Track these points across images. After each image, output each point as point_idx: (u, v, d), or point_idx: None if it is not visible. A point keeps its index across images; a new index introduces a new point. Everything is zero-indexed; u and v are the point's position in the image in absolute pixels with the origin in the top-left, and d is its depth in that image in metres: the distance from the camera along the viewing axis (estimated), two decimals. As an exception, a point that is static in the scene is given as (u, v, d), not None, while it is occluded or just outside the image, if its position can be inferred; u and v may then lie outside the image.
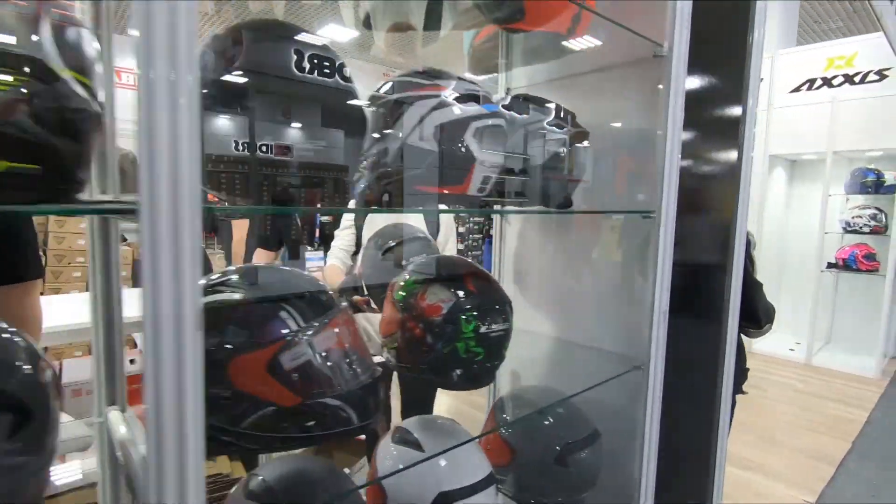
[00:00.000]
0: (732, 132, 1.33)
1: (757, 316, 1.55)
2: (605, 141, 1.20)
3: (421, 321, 0.88)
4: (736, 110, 1.30)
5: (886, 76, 4.04)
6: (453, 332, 0.86)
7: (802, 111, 4.49)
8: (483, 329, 0.87)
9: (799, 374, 4.27)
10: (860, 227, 4.33)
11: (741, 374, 1.64)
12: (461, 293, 0.89)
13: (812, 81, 4.43)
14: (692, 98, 1.15)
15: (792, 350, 4.85)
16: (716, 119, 1.30)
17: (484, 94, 0.84)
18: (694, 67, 1.09)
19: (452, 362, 0.87)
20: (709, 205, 1.34)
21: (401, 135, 0.78)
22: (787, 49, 4.63)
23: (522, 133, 0.99)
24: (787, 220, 5.40)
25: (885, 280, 4.14)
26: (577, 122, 1.07)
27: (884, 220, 4.24)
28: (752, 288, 1.51)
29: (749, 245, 1.52)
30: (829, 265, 4.57)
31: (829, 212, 4.53)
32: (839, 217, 4.46)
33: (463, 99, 0.81)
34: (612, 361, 1.17)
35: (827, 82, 4.35)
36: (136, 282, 4.92)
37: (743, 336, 1.78)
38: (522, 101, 1.03)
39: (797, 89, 4.52)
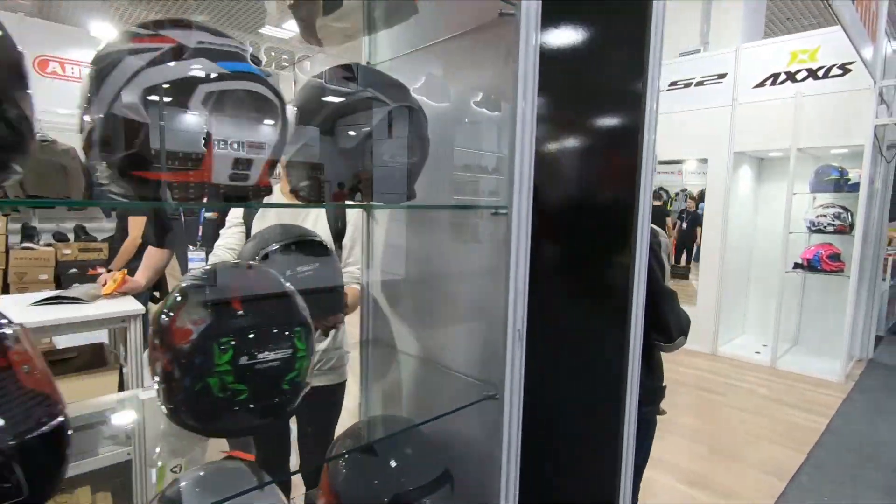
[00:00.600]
0: (629, 106, 1.14)
1: (667, 328, 1.36)
2: (462, 123, 1.00)
3: (169, 350, 0.68)
4: (630, 79, 1.12)
5: (850, 70, 3.92)
6: (203, 365, 0.65)
7: (767, 107, 4.36)
8: (244, 360, 0.66)
9: (763, 378, 4.13)
10: (824, 227, 4.20)
11: (655, 392, 1.45)
12: (220, 313, 0.68)
13: (776, 76, 4.30)
14: (566, 66, 0.96)
15: (758, 353, 4.72)
16: (601, 90, 1.12)
17: (235, 50, 0.64)
18: (560, 25, 0.90)
19: (206, 403, 0.67)
20: (597, 199, 1.15)
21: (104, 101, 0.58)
22: (751, 43, 4.49)
23: (330, 110, 0.80)
24: (756, 220, 5.28)
25: (849, 281, 4.02)
26: (409, 97, 0.87)
27: (848, 219, 4.12)
28: (660, 296, 1.33)
29: (657, 247, 1.34)
30: (796, 266, 4.45)
31: (795, 211, 4.41)
32: (804, 216, 4.34)
33: (197, 55, 0.61)
34: (478, 388, 0.98)
35: (791, 77, 4.22)
36: (58, 283, 4.64)
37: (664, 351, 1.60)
38: (333, 71, 0.83)
39: (761, 84, 4.38)
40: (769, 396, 3.72)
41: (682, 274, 6.05)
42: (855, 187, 4.10)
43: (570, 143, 1.05)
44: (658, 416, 1.52)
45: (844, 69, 3.96)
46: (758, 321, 5.20)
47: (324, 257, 1.09)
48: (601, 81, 1.12)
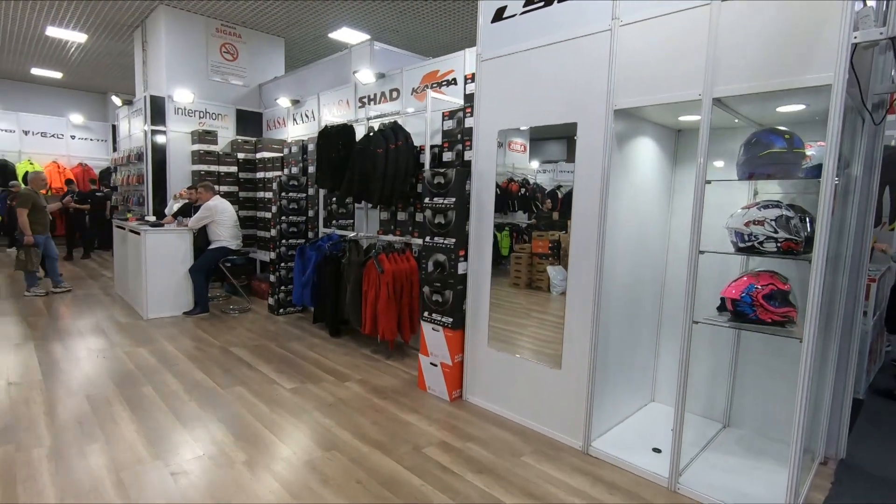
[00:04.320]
0: None
1: None
2: None
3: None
4: None
5: (805, -59, 2.02)
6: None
7: (665, 28, 2.45)
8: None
9: (647, 520, 2.22)
10: (760, 243, 2.30)
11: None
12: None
13: (678, -30, 2.39)
14: None
15: (659, 452, 2.82)
16: None
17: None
18: None
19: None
20: None
21: None
22: (640, -85, 2.58)
23: None
24: (670, 227, 3.39)
25: (802, 347, 2.12)
26: None
27: (802, 229, 2.23)
28: None
29: None
30: (721, 308, 2.54)
31: (717, 211, 2.52)
32: (726, 224, 2.43)
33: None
34: None
35: (702, -32, 2.31)
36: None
37: None
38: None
39: (655, -12, 2.47)
40: None
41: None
42: (816, 172, 2.22)
43: None
44: None
45: (795, -59, 2.06)
46: (674, 385, 3.31)
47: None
48: None
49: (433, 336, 3.58)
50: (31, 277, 6.45)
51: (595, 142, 2.72)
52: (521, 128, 3.16)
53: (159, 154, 7.36)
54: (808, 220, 2.32)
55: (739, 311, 2.39)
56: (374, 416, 3.21)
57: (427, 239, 3.57)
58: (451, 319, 3.47)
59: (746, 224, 2.32)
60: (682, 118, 2.96)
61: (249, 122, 8.24)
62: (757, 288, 2.34)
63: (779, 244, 2.26)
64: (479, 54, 3.31)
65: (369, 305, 4.41)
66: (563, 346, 2.93)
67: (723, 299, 2.48)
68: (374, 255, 4.42)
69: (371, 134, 4.54)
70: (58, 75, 12.03)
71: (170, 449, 2.69)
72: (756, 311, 2.34)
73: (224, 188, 7.35)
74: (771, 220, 2.25)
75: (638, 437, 3.00)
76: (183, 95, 7.39)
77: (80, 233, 10.13)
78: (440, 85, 5.00)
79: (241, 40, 8.35)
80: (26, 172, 11.68)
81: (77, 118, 12.67)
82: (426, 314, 3.62)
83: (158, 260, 5.50)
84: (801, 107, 2.46)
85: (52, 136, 12.52)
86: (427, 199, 3.54)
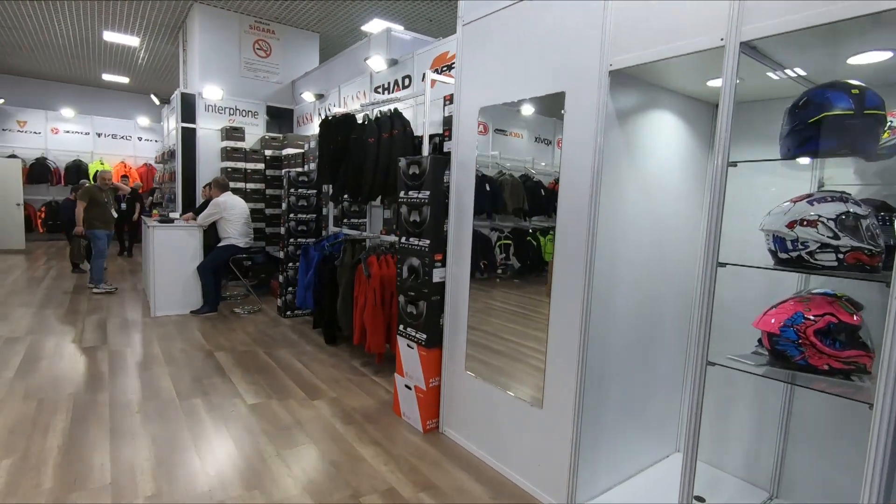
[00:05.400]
0: None
1: None
2: None
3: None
4: None
5: None
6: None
7: (676, -49, 1.77)
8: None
9: None
10: (811, 253, 1.55)
11: None
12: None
13: None
14: None
15: (667, 529, 2.10)
16: None
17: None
18: None
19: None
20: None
21: None
22: None
23: None
24: (703, 231, 2.62)
25: (873, 414, 1.37)
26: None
27: (884, 234, 1.47)
28: None
29: None
30: (758, 345, 1.81)
31: (760, 209, 1.80)
32: (763, 225, 1.70)
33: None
34: None
35: None
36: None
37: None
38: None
39: None
40: None
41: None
42: (904, 146, 1.46)
43: None
44: None
45: None
46: (708, 438, 2.55)
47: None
48: None
49: (408, 354, 3.05)
50: (98, 274, 6.50)
51: (585, 116, 2.07)
52: (502, 104, 2.55)
53: (189, 151, 7.39)
54: (889, 218, 1.55)
55: (779, 352, 1.65)
56: (327, 446, 2.73)
57: (402, 240, 3.04)
58: (425, 336, 2.91)
59: (790, 225, 1.59)
60: (713, 83, 2.22)
61: (283, 118, 8.12)
62: (806, 319, 1.60)
63: (841, 255, 1.51)
64: (461, 17, 2.74)
65: (358, 313, 3.96)
66: (545, 379, 2.29)
67: (761, 340, 1.75)
68: (363, 257, 3.96)
69: (366, 122, 4.09)
70: (125, 80, 12.77)
71: (79, 473, 2.37)
72: (804, 352, 1.60)
73: (251, 185, 7.26)
74: (828, 218, 1.51)
75: (647, 502, 2.29)
76: (212, 92, 7.38)
77: (128, 229, 10.45)
78: (450, 68, 4.46)
79: (275, 36, 8.26)
80: (96, 171, 12.50)
81: (143, 120, 13.39)
82: (401, 327, 3.09)
83: (167, 256, 5.39)
84: (886, 55, 1.67)
85: (122, 137, 13.32)
86: (402, 193, 3.01)
